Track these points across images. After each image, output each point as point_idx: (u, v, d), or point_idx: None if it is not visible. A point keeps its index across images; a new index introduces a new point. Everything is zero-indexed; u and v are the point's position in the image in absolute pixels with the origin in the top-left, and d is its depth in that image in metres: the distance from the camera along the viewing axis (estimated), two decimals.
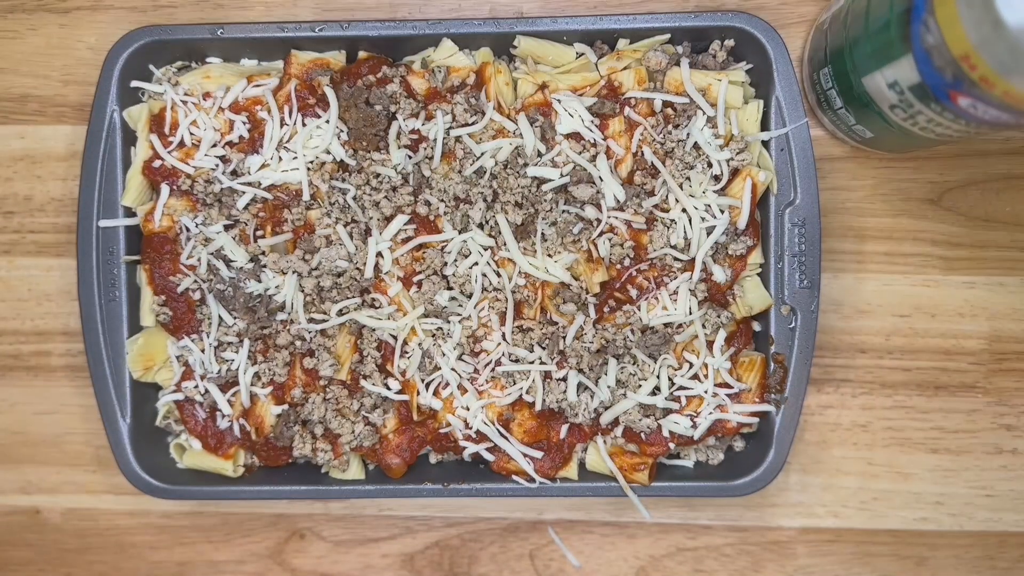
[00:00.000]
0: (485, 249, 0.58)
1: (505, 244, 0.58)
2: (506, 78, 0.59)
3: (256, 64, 0.61)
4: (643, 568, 0.64)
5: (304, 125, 0.58)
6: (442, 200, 0.58)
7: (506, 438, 0.59)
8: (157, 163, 0.59)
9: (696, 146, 0.58)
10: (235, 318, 0.59)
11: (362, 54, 0.60)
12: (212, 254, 0.59)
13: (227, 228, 0.59)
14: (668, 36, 0.59)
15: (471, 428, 0.59)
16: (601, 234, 0.58)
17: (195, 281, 0.59)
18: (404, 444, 0.60)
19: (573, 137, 0.58)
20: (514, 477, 0.59)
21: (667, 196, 0.58)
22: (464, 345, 0.58)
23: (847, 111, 0.56)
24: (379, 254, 0.58)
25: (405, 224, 0.58)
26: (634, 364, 0.58)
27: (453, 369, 0.58)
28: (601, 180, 0.58)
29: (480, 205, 0.58)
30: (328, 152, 0.58)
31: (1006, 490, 0.63)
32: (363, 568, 0.64)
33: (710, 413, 0.58)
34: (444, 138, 0.58)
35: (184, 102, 0.59)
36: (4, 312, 0.64)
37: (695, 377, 0.58)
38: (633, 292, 0.58)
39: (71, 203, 0.63)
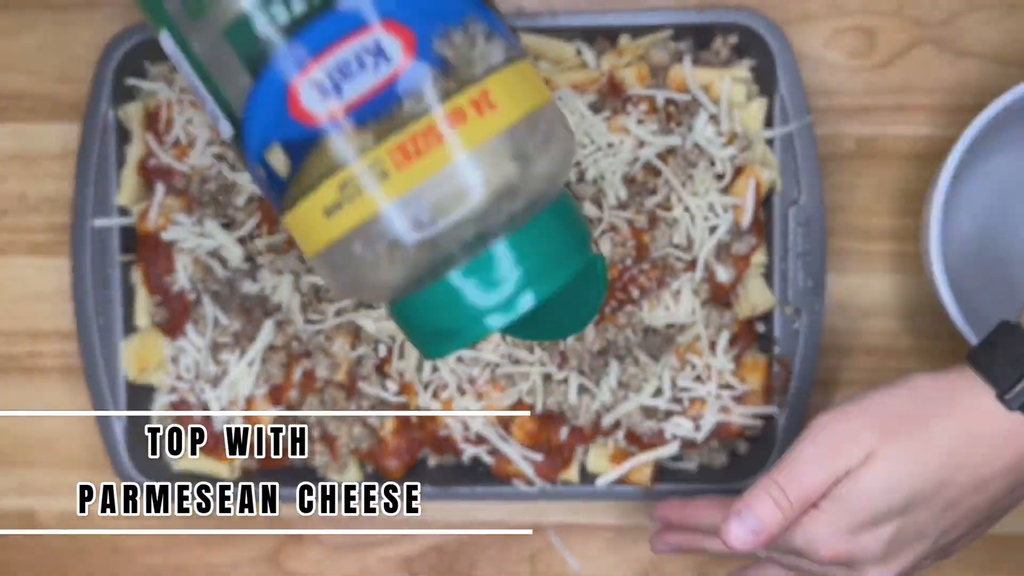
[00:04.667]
0: None
1: None
2: None
3: None
4: (645, 572, 0.63)
5: None
6: None
7: (506, 440, 0.58)
8: (152, 162, 0.59)
9: (698, 144, 0.57)
10: (230, 319, 0.59)
11: None
12: (208, 254, 0.58)
13: (224, 227, 0.59)
14: (671, 32, 0.58)
15: (470, 430, 0.58)
16: (603, 233, 0.57)
17: (190, 281, 0.59)
18: (402, 447, 0.59)
19: (574, 134, 0.57)
20: (514, 480, 0.59)
21: (669, 195, 0.57)
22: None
23: None
24: None
25: None
26: (636, 365, 0.58)
27: (452, 370, 0.58)
28: (602, 178, 0.57)
29: None
30: None
31: None
32: (360, 572, 0.64)
33: (713, 415, 0.58)
34: None
35: (180, 100, 0.59)
36: None
37: (698, 379, 0.58)
38: (635, 292, 0.58)
39: (65, 202, 0.62)
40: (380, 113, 0.36)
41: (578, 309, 0.46)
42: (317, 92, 0.35)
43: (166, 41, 0.38)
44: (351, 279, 0.38)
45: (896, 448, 0.45)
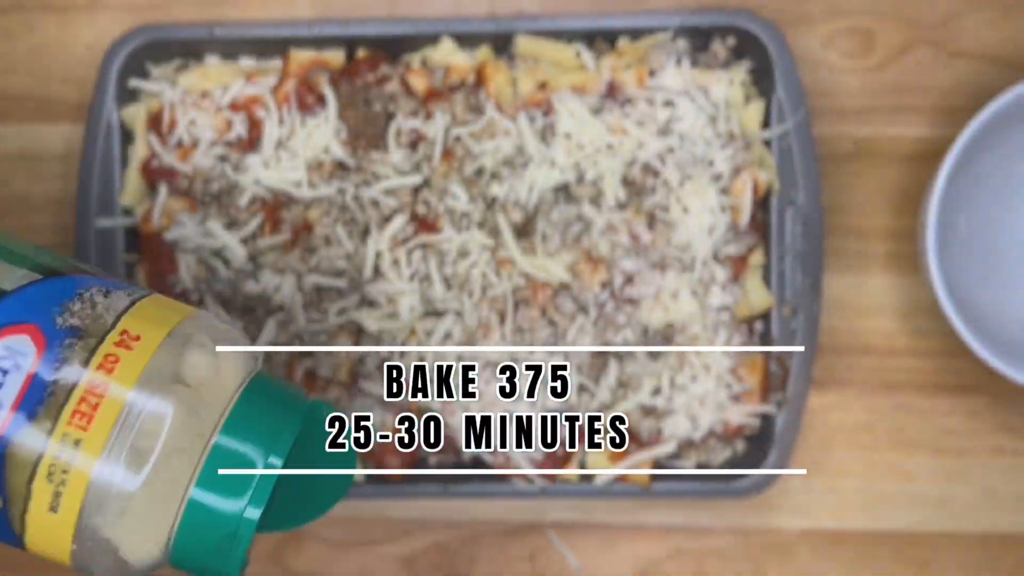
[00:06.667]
0: (484, 248, 0.58)
1: (505, 243, 0.57)
2: (506, 77, 0.58)
3: (255, 63, 0.61)
4: (644, 570, 0.63)
5: (303, 125, 0.58)
6: (441, 200, 0.58)
7: (506, 440, 0.58)
8: (155, 163, 0.59)
9: (697, 145, 0.58)
10: (233, 319, 0.59)
11: (361, 53, 0.60)
12: (211, 254, 0.59)
13: (227, 227, 0.59)
14: (669, 34, 0.59)
15: (470, 430, 0.58)
16: (602, 233, 0.58)
17: (193, 281, 0.59)
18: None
19: (573, 136, 0.58)
20: (514, 479, 0.59)
21: (668, 195, 0.58)
22: (463, 345, 0.58)
23: None
24: (378, 254, 0.58)
25: (404, 224, 0.58)
26: (634, 365, 0.58)
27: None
28: (601, 179, 0.57)
29: (479, 205, 0.58)
30: (327, 152, 0.58)
31: (1008, 492, 0.62)
32: (361, 570, 0.64)
33: (711, 414, 0.58)
34: (444, 137, 0.58)
35: (182, 101, 0.59)
36: None
37: (696, 378, 0.58)
38: (634, 292, 0.58)
39: (69, 203, 0.63)
40: (43, 399, 0.37)
41: (333, 472, 0.45)
42: None
43: None
44: (114, 559, 0.39)
45: None
